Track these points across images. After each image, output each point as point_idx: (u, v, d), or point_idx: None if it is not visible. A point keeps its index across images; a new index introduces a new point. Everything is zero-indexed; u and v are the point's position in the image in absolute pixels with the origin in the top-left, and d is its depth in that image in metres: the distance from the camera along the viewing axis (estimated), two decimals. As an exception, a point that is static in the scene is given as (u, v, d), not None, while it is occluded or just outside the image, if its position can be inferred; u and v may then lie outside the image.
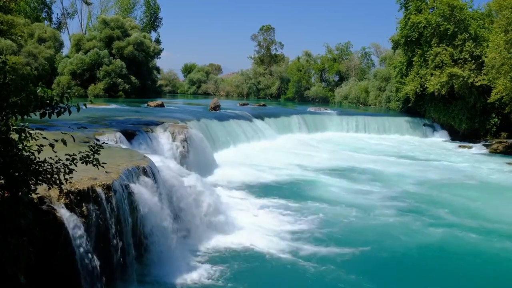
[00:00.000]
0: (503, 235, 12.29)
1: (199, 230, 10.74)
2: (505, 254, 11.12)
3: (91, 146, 5.94)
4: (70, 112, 5.19)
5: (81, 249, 6.89)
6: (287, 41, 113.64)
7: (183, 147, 17.16)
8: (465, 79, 32.46)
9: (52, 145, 5.33)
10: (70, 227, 6.73)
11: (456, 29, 33.99)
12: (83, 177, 7.51)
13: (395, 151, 28.25)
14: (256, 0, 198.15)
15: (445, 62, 33.56)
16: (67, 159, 5.64)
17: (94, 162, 5.81)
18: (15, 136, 5.05)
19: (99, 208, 7.48)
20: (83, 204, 7.19)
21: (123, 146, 13.46)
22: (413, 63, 36.54)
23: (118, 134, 14.76)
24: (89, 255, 7.04)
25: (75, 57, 49.37)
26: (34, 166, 5.21)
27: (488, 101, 31.17)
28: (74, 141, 6.25)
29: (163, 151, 16.24)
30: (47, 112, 5.11)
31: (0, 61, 4.99)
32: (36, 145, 5.28)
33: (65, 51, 56.62)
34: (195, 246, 10.33)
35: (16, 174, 5.05)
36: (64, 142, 5.37)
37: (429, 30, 34.49)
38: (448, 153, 28.65)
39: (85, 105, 5.60)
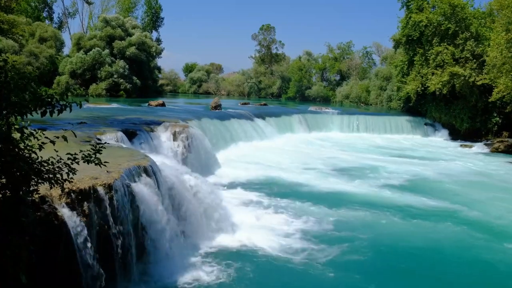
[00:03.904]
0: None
1: (200, 229, 10.73)
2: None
3: (93, 145, 5.93)
4: (71, 109, 5.19)
5: (83, 248, 6.88)
6: (288, 40, 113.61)
7: (184, 146, 17.15)
8: (467, 78, 32.43)
9: (53, 142, 5.32)
10: (72, 226, 6.73)
11: (457, 28, 33.96)
12: (84, 176, 7.50)
13: (397, 151, 28.22)
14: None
15: (446, 61, 33.53)
16: (68, 158, 5.63)
17: (96, 161, 5.80)
18: (16, 136, 5.04)
19: (101, 208, 7.48)
20: (85, 204, 7.19)
21: (124, 146, 13.44)
22: (414, 62, 36.51)
23: (119, 134, 14.75)
24: (90, 254, 7.03)
25: (75, 56, 49.38)
26: (35, 165, 5.20)
27: (490, 100, 31.16)
28: (76, 136, 6.23)
29: (164, 150, 16.23)
30: (48, 110, 5.10)
31: (1, 59, 4.98)
32: (38, 143, 5.27)
33: (66, 50, 56.76)
34: (197, 245, 10.32)
35: (18, 173, 5.04)
36: (65, 139, 5.36)
37: (430, 29, 34.46)
38: (450, 153, 28.58)
39: (86, 100, 5.59)
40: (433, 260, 10.54)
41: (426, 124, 37.43)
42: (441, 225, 12.95)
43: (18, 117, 5.05)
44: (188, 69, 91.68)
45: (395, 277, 9.68)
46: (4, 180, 5.02)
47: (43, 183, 5.38)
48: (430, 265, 10.24)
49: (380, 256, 10.60)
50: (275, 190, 15.93)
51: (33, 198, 5.81)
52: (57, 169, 5.49)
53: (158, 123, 18.18)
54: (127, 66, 50.29)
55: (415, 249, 11.09)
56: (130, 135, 15.60)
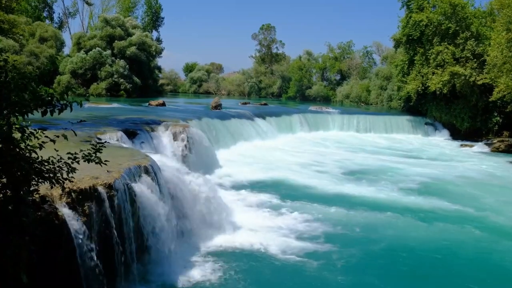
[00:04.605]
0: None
1: (200, 229, 10.72)
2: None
3: (93, 144, 5.92)
4: (71, 109, 5.18)
5: (83, 248, 6.88)
6: (288, 40, 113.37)
7: (185, 146, 17.15)
8: (467, 77, 32.42)
9: (53, 141, 5.31)
10: (72, 226, 6.72)
11: (457, 28, 33.95)
12: (84, 176, 7.50)
13: (401, 152, 28.14)
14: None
15: (447, 60, 33.51)
16: (69, 158, 5.62)
17: (96, 160, 5.80)
18: (17, 135, 5.03)
19: (101, 207, 7.47)
20: (85, 203, 7.18)
21: (125, 145, 13.44)
22: (415, 61, 36.49)
23: (120, 133, 14.74)
24: (91, 254, 7.02)
25: (76, 56, 49.40)
26: (36, 165, 5.20)
27: (490, 99, 31.15)
28: (76, 135, 6.22)
29: (164, 150, 16.23)
30: (48, 110, 5.09)
31: (1, 59, 4.98)
32: (38, 143, 5.27)
33: (66, 50, 56.81)
34: (197, 245, 10.31)
35: (18, 173, 5.04)
36: (65, 137, 5.36)
37: (430, 28, 34.44)
38: (457, 154, 28.50)
39: (87, 99, 5.58)
40: (454, 264, 10.36)
41: (426, 123, 37.42)
42: (462, 229, 12.61)
43: (20, 117, 5.05)
44: (189, 68, 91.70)
45: (415, 282, 9.48)
46: (4, 180, 5.02)
47: (44, 182, 5.37)
48: (450, 270, 10.06)
49: (399, 260, 10.34)
50: (276, 190, 15.85)
51: (34, 197, 5.80)
52: (57, 168, 5.48)
53: (159, 123, 18.18)
54: (127, 66, 50.30)
55: (436, 253, 10.84)
56: (131, 134, 15.60)
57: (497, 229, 12.79)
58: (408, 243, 11.41)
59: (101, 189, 7.55)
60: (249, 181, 17.11)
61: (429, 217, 13.68)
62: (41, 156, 5.33)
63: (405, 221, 13.15)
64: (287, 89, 73.37)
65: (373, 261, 10.25)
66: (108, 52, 50.22)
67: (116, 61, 50.20)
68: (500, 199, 16.45)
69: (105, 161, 5.97)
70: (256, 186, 16.33)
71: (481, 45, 33.24)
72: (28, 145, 5.17)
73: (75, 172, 5.69)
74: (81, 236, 6.85)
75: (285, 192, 15.62)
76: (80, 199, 7.12)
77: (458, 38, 33.88)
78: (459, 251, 11.13)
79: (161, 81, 67.31)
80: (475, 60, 32.98)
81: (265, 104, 43.88)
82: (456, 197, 16.16)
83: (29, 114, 5.12)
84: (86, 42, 51.17)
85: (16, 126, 4.99)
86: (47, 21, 64.02)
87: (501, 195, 17.05)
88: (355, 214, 13.51)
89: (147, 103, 33.48)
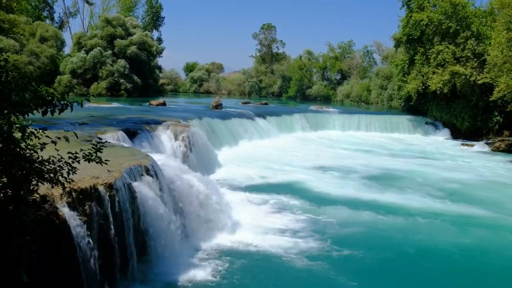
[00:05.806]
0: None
1: (201, 229, 10.72)
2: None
3: (94, 144, 5.91)
4: (72, 109, 5.18)
5: (83, 248, 6.88)
6: (289, 39, 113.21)
7: (185, 146, 17.16)
8: (467, 77, 32.39)
9: (54, 142, 5.31)
10: (72, 225, 6.72)
11: (458, 27, 33.92)
12: (85, 176, 7.49)
13: (404, 151, 28.11)
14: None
15: (447, 60, 33.49)
16: (69, 157, 5.62)
17: (97, 160, 5.79)
18: (17, 135, 5.03)
19: (101, 207, 7.47)
20: (86, 203, 7.18)
21: (125, 145, 13.45)
22: (415, 61, 36.47)
23: (120, 133, 14.76)
24: (91, 253, 7.03)
25: (76, 55, 49.43)
26: (36, 164, 5.19)
27: (490, 99, 31.09)
28: (77, 137, 6.21)
29: (165, 150, 16.24)
30: (49, 109, 5.09)
31: (2, 59, 4.97)
32: (39, 143, 5.27)
33: (67, 50, 56.85)
34: (197, 245, 10.30)
35: (19, 173, 5.03)
36: (67, 139, 5.36)
37: (431, 28, 34.42)
38: (453, 152, 28.48)
39: (88, 100, 5.57)
40: (486, 271, 10.14)
41: (427, 123, 37.41)
42: (493, 235, 12.26)
43: (20, 117, 5.04)
44: (189, 68, 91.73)
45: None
46: (5, 180, 5.02)
47: (44, 183, 5.36)
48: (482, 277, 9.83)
49: (428, 265, 10.12)
50: (275, 189, 15.79)
51: (34, 197, 5.79)
52: (58, 168, 5.47)
53: (159, 123, 18.19)
54: (127, 66, 50.32)
55: (467, 258, 10.65)
56: (131, 134, 15.61)
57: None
58: (439, 246, 11.17)
59: (101, 188, 7.55)
60: (249, 180, 17.10)
61: (458, 221, 13.24)
62: (42, 156, 5.32)
63: (434, 226, 12.77)
64: (287, 88, 73.36)
65: (398, 265, 10.10)
66: (109, 51, 50.24)
67: (117, 61, 50.24)
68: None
69: (106, 160, 5.96)
70: (257, 186, 16.30)
71: (481, 44, 33.22)
72: (29, 144, 5.16)
73: (75, 173, 5.68)
74: (81, 236, 6.86)
75: (289, 193, 15.43)
76: (81, 198, 7.12)
77: (459, 37, 33.86)
78: (492, 258, 10.81)
79: (161, 81, 67.33)
80: (475, 59, 32.95)
81: (266, 104, 43.94)
82: (482, 201, 15.64)
83: (30, 114, 5.11)
84: (86, 41, 51.17)
85: (17, 125, 4.98)
86: (47, 20, 64.06)
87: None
88: (360, 215, 13.42)
89: (148, 103, 33.52)
